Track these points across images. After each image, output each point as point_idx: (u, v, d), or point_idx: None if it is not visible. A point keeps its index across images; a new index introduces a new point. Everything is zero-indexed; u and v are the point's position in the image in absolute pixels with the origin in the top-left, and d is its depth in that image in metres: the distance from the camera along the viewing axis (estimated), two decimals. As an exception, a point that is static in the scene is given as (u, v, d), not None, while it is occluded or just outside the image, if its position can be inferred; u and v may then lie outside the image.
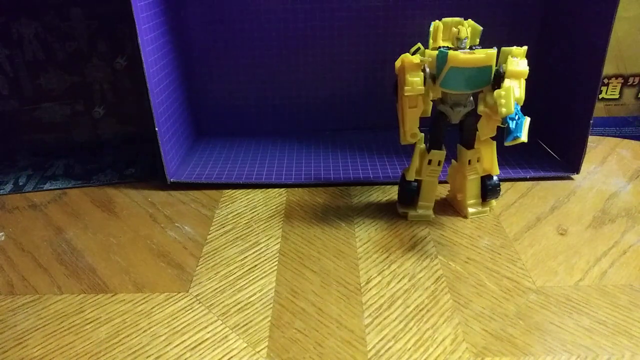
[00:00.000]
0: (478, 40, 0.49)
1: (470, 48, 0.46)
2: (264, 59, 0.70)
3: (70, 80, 0.68)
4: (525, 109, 0.43)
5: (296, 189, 0.60)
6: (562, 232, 0.51)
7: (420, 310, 0.42)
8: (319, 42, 0.69)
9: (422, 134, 0.50)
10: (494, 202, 0.54)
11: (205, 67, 0.70)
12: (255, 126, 0.74)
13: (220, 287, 0.45)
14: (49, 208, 0.58)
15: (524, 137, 0.41)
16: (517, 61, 0.44)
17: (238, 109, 0.73)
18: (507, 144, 0.42)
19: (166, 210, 0.56)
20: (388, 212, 0.55)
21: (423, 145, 0.51)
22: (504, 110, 0.42)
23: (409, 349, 0.38)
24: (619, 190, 0.58)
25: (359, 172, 0.62)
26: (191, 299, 0.44)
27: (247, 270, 0.47)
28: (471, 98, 0.49)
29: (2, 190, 0.61)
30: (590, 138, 0.64)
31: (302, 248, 0.50)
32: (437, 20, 0.49)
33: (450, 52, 0.44)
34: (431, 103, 0.49)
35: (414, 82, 0.45)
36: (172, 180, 0.60)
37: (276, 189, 0.60)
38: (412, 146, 0.51)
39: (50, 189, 0.61)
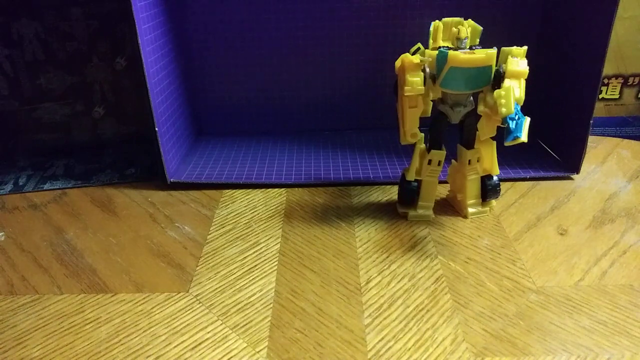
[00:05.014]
0: (478, 40, 0.49)
1: (470, 48, 0.46)
2: (264, 59, 0.70)
3: (70, 80, 0.68)
4: (525, 109, 0.43)
5: (296, 189, 0.60)
6: (562, 232, 0.51)
7: (420, 310, 0.42)
8: (319, 42, 0.69)
9: (422, 134, 0.50)
10: (494, 202, 0.54)
11: (205, 67, 0.70)
12: (256, 126, 0.74)
13: (220, 287, 0.45)
14: (49, 208, 0.58)
15: (524, 137, 0.41)
16: (517, 61, 0.44)
17: (238, 109, 0.73)
18: (507, 144, 0.42)
19: (166, 210, 0.56)
20: (388, 212, 0.55)
21: (423, 145, 0.51)
22: (504, 110, 0.42)
23: (409, 349, 0.38)
24: (619, 190, 0.58)
25: (359, 172, 0.62)
26: (191, 299, 0.44)
27: (247, 270, 0.47)
28: (471, 98, 0.49)
29: (2, 190, 0.61)
30: (590, 138, 0.64)
31: (302, 248, 0.50)
32: (437, 20, 0.49)
33: (450, 52, 0.44)
34: (431, 103, 0.49)
35: (414, 82, 0.45)
36: (172, 180, 0.60)
37: (276, 189, 0.60)
38: (412, 146, 0.51)
39: (50, 189, 0.61)
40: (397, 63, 0.47)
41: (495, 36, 0.48)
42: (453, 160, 0.54)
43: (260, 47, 0.69)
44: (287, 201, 0.57)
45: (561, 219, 0.53)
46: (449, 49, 0.45)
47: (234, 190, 0.60)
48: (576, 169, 0.60)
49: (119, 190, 0.61)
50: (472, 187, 0.53)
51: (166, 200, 0.58)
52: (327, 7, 0.67)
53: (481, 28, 0.49)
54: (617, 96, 0.75)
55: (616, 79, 0.73)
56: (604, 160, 0.65)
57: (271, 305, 0.43)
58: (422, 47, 0.48)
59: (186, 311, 0.42)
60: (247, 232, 0.52)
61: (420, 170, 0.51)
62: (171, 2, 0.64)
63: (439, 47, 0.46)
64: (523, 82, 0.44)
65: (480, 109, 0.47)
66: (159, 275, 0.47)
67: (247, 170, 0.63)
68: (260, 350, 0.38)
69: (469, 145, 0.51)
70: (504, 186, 0.59)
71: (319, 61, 0.70)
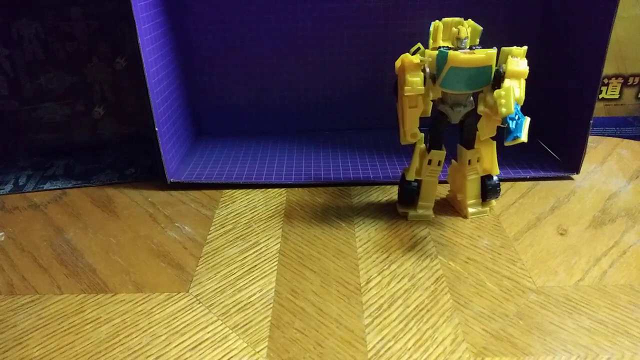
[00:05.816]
0: (478, 40, 0.49)
1: (470, 48, 0.46)
2: (264, 59, 0.70)
3: (70, 80, 0.68)
4: (525, 109, 0.43)
5: (296, 189, 0.60)
6: (562, 232, 0.51)
7: (420, 310, 0.42)
8: (319, 42, 0.69)
9: (422, 134, 0.50)
10: (494, 202, 0.54)
11: (206, 67, 0.70)
12: (256, 126, 0.74)
13: (220, 287, 0.45)
14: (49, 208, 0.58)
15: (524, 137, 0.41)
16: (517, 61, 0.44)
17: (238, 109, 0.73)
18: (507, 144, 0.42)
19: (166, 210, 0.56)
20: (388, 212, 0.55)
21: (423, 145, 0.51)
22: (504, 110, 0.42)
23: (409, 349, 0.38)
24: (619, 190, 0.58)
25: (359, 172, 0.62)
26: (191, 299, 0.44)
27: (247, 270, 0.47)
28: (471, 98, 0.49)
29: (2, 190, 0.61)
30: (590, 138, 0.64)
31: (302, 248, 0.50)
32: (437, 20, 0.49)
33: (450, 52, 0.44)
34: (431, 103, 0.49)
35: (414, 82, 0.45)
36: (172, 180, 0.60)
37: (276, 189, 0.60)
38: (412, 146, 0.51)
39: (50, 189, 0.61)
40: (397, 63, 0.47)
41: (495, 36, 0.48)
42: (453, 160, 0.54)
43: (260, 47, 0.69)
44: (287, 201, 0.57)
45: (561, 219, 0.53)
46: (449, 49, 0.45)
47: (234, 190, 0.60)
48: (576, 169, 0.60)
49: (119, 190, 0.61)
50: (472, 187, 0.53)
51: (166, 200, 0.58)
52: (327, 7, 0.66)
53: (481, 28, 0.49)
54: (617, 96, 0.75)
55: (616, 79, 0.73)
56: (604, 160, 0.65)
57: (271, 305, 0.43)
58: (422, 47, 0.48)
59: (186, 311, 0.42)
60: (247, 232, 0.52)
61: (420, 170, 0.51)
62: (171, 2, 0.64)
63: (439, 47, 0.46)
64: (523, 82, 0.44)
65: (480, 109, 0.47)
66: (159, 275, 0.47)
67: (247, 170, 0.63)
68: (260, 350, 0.38)
69: (469, 145, 0.51)
70: (504, 186, 0.59)
71: (319, 61, 0.70)
